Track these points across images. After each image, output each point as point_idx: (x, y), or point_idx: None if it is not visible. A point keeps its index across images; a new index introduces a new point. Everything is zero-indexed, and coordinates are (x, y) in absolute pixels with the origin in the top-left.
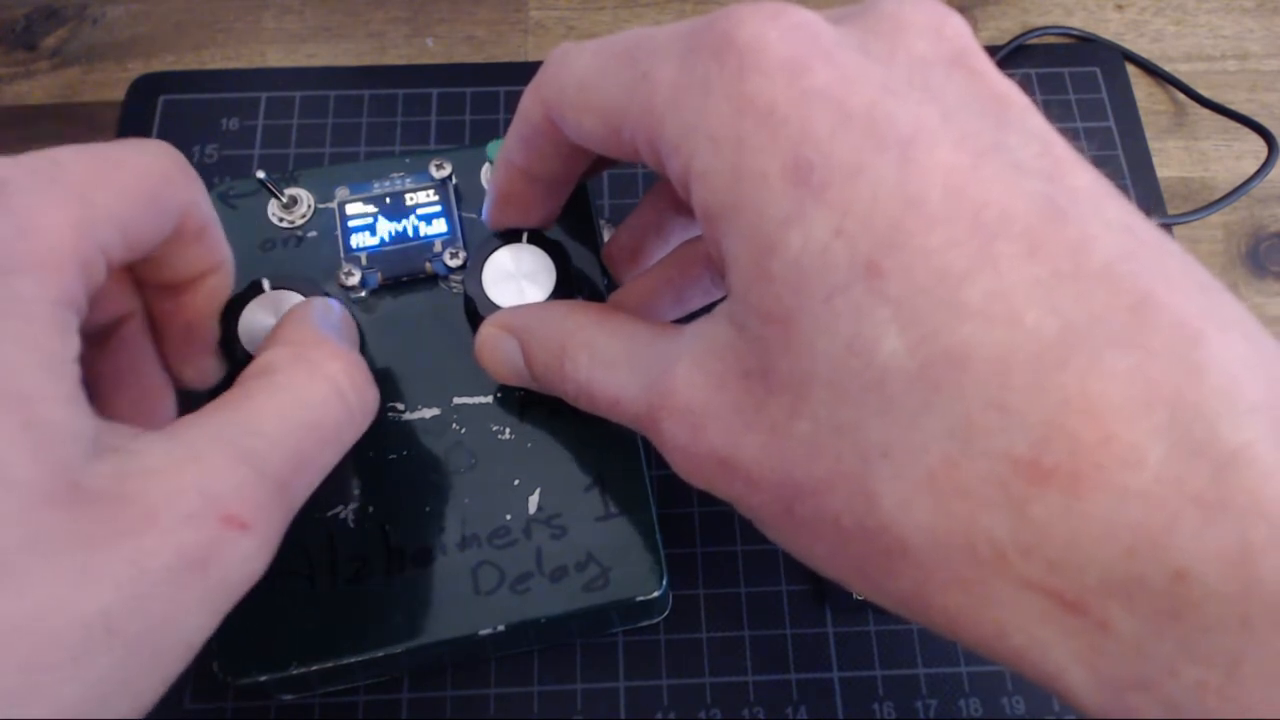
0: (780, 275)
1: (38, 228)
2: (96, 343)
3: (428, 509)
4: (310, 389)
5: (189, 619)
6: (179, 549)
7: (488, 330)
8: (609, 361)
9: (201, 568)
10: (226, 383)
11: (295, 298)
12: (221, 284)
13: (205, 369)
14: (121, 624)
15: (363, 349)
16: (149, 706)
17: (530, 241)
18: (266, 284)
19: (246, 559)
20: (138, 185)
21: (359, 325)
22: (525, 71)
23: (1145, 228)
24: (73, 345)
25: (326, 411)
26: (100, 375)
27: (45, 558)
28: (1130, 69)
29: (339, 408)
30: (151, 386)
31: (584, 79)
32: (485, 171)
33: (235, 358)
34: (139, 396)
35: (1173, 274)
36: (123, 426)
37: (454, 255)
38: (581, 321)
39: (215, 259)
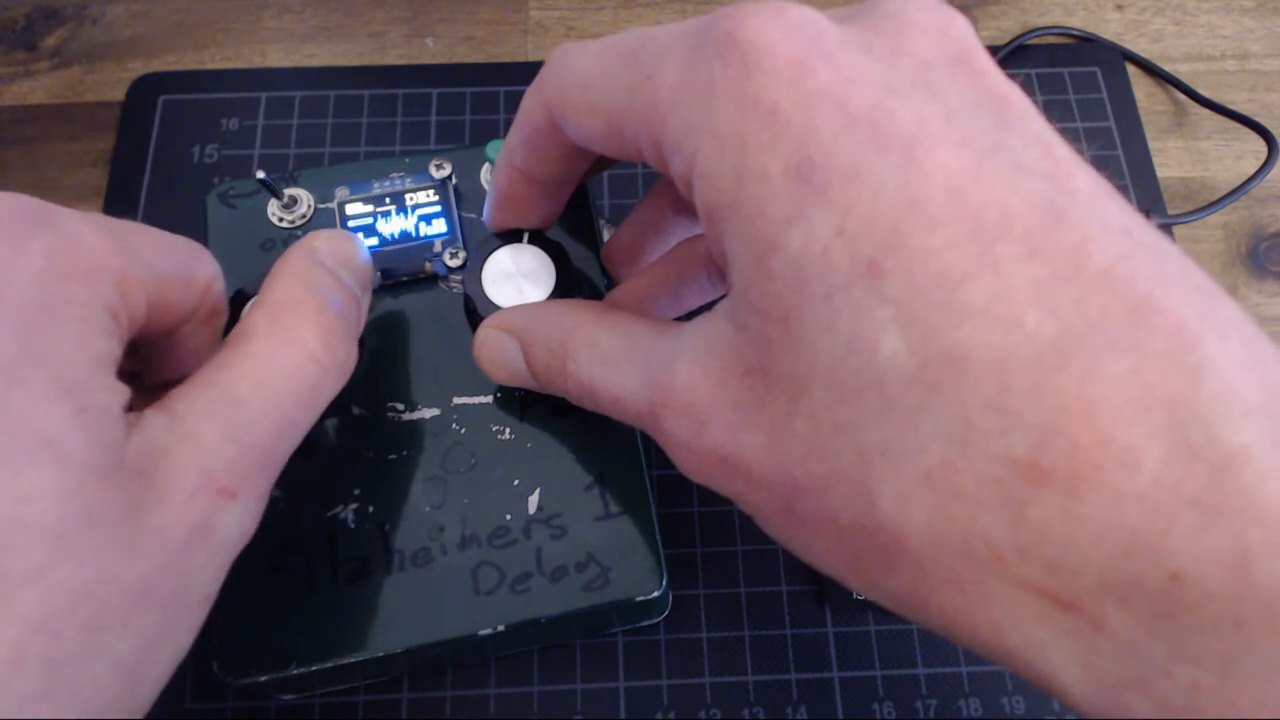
0: (781, 274)
1: (85, 245)
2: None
3: (428, 509)
4: (285, 356)
5: (202, 578)
6: (190, 521)
7: (487, 331)
8: (611, 359)
9: (205, 534)
10: None
11: None
12: (216, 330)
13: None
14: (157, 588)
15: (362, 349)
16: (182, 656)
17: (530, 242)
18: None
19: (237, 522)
20: (170, 246)
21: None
22: (525, 71)
23: (1144, 230)
24: (117, 348)
25: (302, 377)
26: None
27: (98, 531)
28: (1130, 69)
29: (314, 371)
30: None
31: (586, 79)
32: (485, 172)
33: None
34: None
35: (1171, 277)
36: (129, 413)
37: (454, 255)
38: (582, 319)
39: (214, 348)
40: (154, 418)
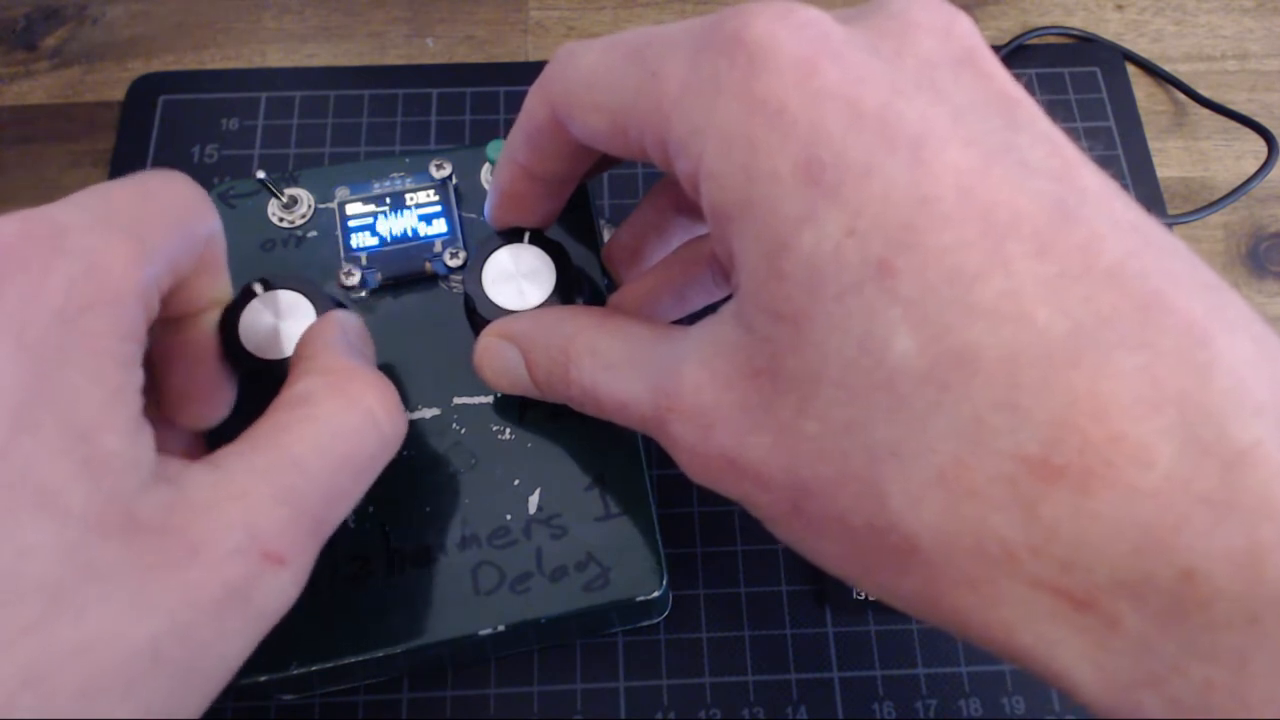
0: (792, 274)
1: (102, 267)
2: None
3: (428, 509)
4: (348, 421)
5: (229, 647)
6: (224, 582)
7: (487, 340)
8: (613, 364)
9: (243, 599)
10: (246, 395)
11: (294, 297)
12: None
13: (206, 409)
14: (169, 651)
15: None
16: None
17: (531, 242)
18: (259, 287)
19: (283, 590)
20: (175, 217)
21: None
22: (525, 71)
23: (1153, 228)
24: (137, 377)
25: (363, 443)
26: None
27: (102, 587)
28: (1130, 69)
29: (374, 438)
30: (211, 385)
31: (591, 78)
32: (485, 172)
33: (240, 360)
34: (200, 394)
35: (1180, 274)
36: (173, 459)
37: (454, 255)
38: (583, 325)
39: (221, 291)
40: (199, 472)
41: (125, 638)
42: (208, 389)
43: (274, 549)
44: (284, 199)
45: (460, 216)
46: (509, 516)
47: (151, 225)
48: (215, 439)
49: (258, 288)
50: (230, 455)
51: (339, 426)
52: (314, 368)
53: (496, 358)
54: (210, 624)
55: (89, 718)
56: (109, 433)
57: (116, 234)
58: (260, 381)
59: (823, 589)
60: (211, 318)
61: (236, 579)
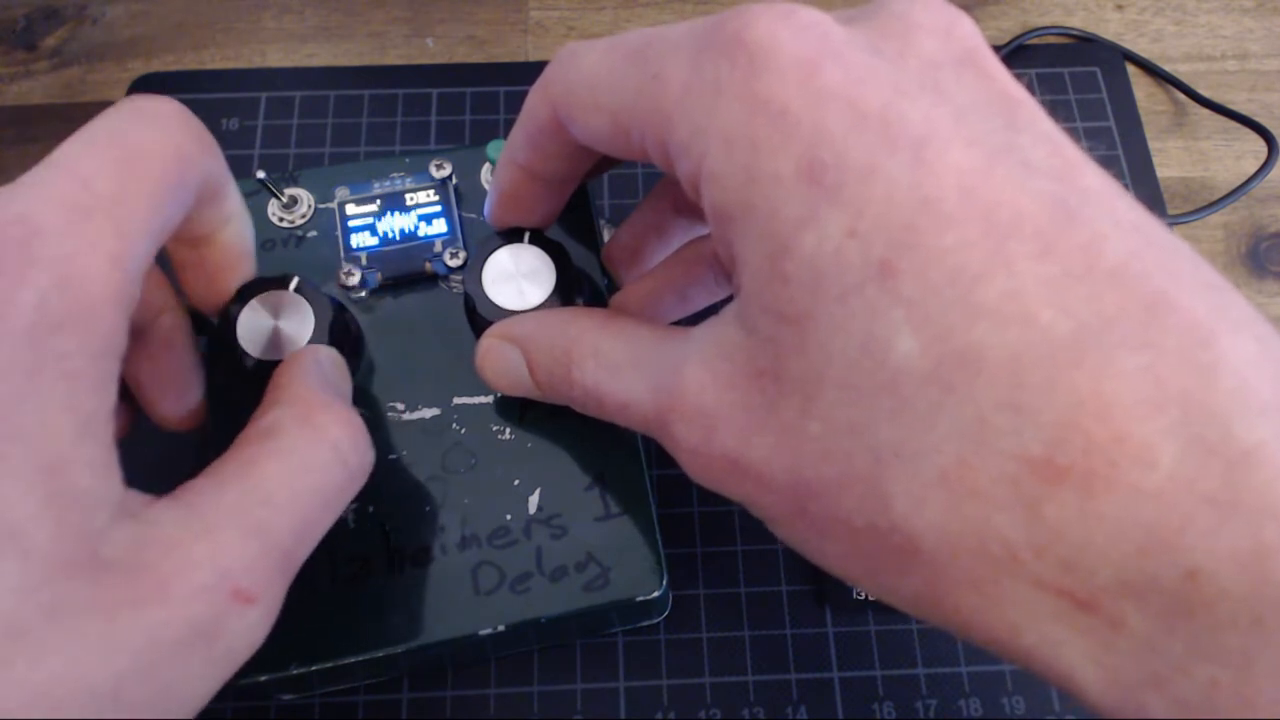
0: (794, 275)
1: (77, 276)
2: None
3: (428, 509)
4: (315, 455)
5: (192, 686)
6: (190, 621)
7: (489, 341)
8: (616, 366)
9: (210, 638)
10: (246, 395)
11: (292, 296)
12: (236, 232)
13: (185, 403)
14: (130, 691)
15: (363, 350)
16: None
17: (531, 242)
18: (294, 282)
19: (251, 628)
20: (163, 177)
21: (359, 326)
22: (525, 71)
23: (1155, 228)
24: (110, 397)
25: (330, 477)
26: (136, 372)
27: (63, 626)
28: (1130, 69)
29: (341, 472)
30: (185, 381)
31: (593, 78)
32: (485, 172)
33: (238, 360)
34: (173, 390)
35: (1183, 274)
36: (138, 494)
37: (454, 255)
38: (585, 326)
39: (230, 210)
40: (165, 509)
41: (86, 679)
42: (181, 377)
43: (243, 586)
44: (284, 199)
45: (460, 216)
46: (509, 516)
47: (134, 201)
48: (205, 450)
49: (294, 282)
50: (197, 490)
51: (306, 461)
52: (283, 398)
53: (498, 359)
54: (175, 663)
55: None
56: (77, 466)
57: (93, 230)
58: (259, 381)
59: (823, 589)
60: (228, 232)
61: (204, 618)
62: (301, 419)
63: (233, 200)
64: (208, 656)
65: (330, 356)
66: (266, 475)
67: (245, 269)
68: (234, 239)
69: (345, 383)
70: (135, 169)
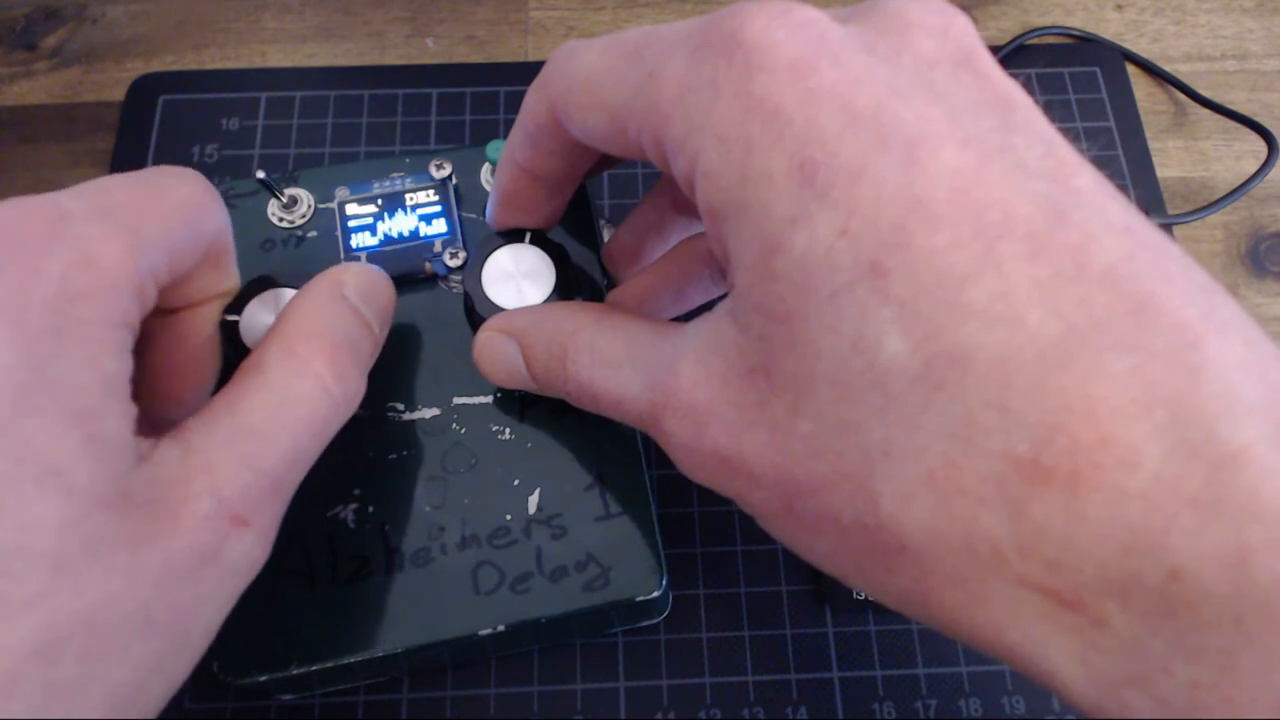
0: (784, 274)
1: (99, 255)
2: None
3: (428, 509)
4: (298, 386)
5: (207, 606)
6: (198, 548)
7: (486, 334)
8: (611, 361)
9: (215, 562)
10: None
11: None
12: (215, 311)
13: (189, 399)
14: (158, 614)
15: None
16: (177, 686)
17: (531, 242)
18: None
19: (249, 550)
20: (179, 213)
21: None
22: (525, 71)
23: (1146, 230)
24: (127, 364)
25: (314, 407)
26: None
27: (101, 558)
28: (1130, 69)
29: (325, 401)
30: (198, 377)
31: (590, 77)
32: (485, 172)
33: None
34: (185, 384)
35: (1173, 277)
36: (144, 438)
37: (454, 255)
38: (582, 321)
39: (228, 284)
40: (168, 449)
41: (120, 606)
42: (195, 381)
43: (238, 512)
44: (284, 199)
45: (460, 216)
46: (509, 516)
47: (151, 220)
48: None
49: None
50: (193, 429)
51: (290, 393)
52: (279, 329)
53: (495, 351)
54: (189, 587)
55: (92, 680)
56: (106, 415)
57: (113, 225)
58: None
59: (822, 589)
60: (214, 310)
61: (207, 544)
62: (286, 351)
63: (232, 276)
64: (216, 578)
65: (357, 275)
66: (253, 408)
67: (214, 362)
68: (211, 320)
69: (370, 301)
70: (157, 196)
